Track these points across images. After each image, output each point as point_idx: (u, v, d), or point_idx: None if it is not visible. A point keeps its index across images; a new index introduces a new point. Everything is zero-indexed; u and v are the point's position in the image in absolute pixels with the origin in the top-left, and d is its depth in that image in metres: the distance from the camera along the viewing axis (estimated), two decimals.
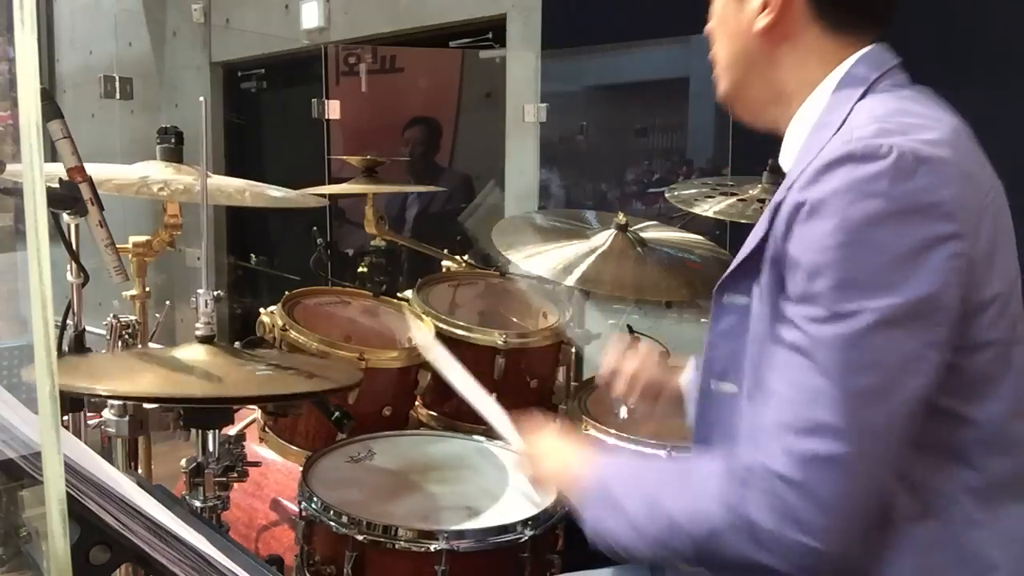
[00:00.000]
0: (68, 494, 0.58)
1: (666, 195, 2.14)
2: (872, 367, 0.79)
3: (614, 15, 3.12)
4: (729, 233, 2.47)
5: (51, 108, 1.38)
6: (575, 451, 1.11)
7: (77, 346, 1.47)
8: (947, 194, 0.80)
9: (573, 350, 2.07)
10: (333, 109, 4.07)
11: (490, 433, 1.53)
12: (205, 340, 1.40)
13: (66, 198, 1.38)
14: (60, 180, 1.39)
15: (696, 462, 0.96)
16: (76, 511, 0.67)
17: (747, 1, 0.98)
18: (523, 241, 1.94)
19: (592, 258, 1.86)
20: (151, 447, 1.87)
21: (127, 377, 1.25)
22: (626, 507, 0.93)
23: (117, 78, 4.62)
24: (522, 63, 3.40)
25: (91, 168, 1.44)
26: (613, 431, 1.64)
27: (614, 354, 1.30)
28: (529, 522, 1.37)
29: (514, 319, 2.17)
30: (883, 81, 0.93)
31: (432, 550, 1.30)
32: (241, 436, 1.48)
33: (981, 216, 0.84)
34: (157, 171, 1.83)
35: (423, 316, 1.94)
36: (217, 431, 1.42)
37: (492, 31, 3.61)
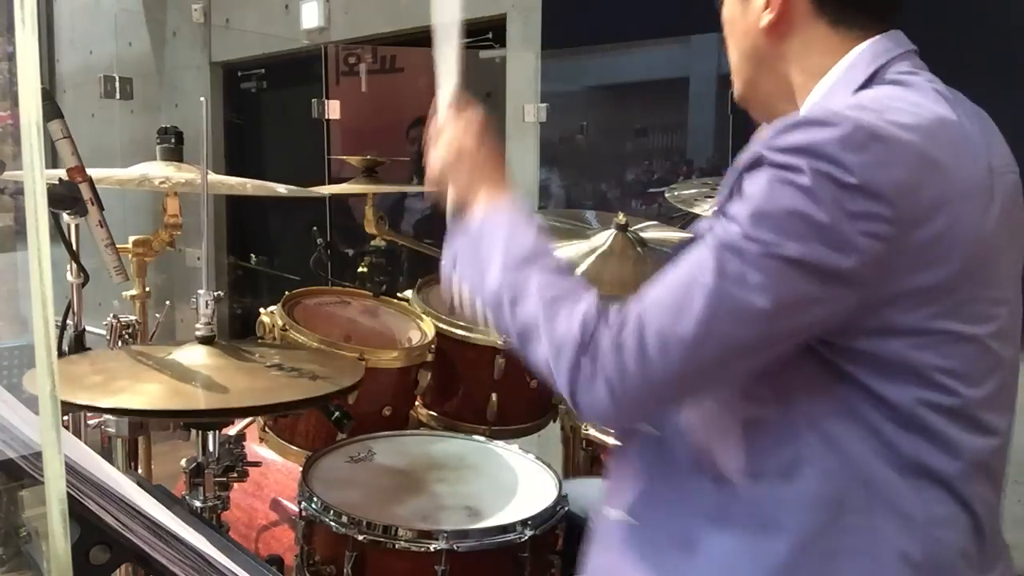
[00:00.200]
0: (68, 494, 0.58)
1: (666, 195, 2.14)
2: (756, 289, 0.81)
3: (614, 15, 3.12)
4: None
5: (51, 108, 1.38)
6: (488, 174, 1.06)
7: (77, 346, 1.47)
8: (894, 175, 0.80)
9: None
10: (333, 109, 4.08)
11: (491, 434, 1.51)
12: (205, 341, 1.41)
13: (66, 198, 1.38)
14: (60, 180, 1.39)
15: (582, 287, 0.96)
16: (76, 511, 0.67)
17: (751, 1, 0.99)
18: None
19: (592, 258, 1.86)
20: (151, 447, 1.87)
21: (130, 389, 1.25)
22: (489, 268, 0.96)
23: (117, 78, 4.63)
24: (522, 63, 3.41)
25: (90, 171, 1.44)
26: (613, 431, 1.63)
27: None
28: (529, 522, 1.37)
29: None
30: (888, 70, 0.94)
31: (432, 550, 1.30)
32: (241, 436, 1.49)
33: (939, 207, 0.83)
34: (157, 171, 1.83)
35: (423, 316, 1.94)
36: (217, 431, 1.43)
37: (492, 31, 3.61)
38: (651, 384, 0.86)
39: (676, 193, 2.10)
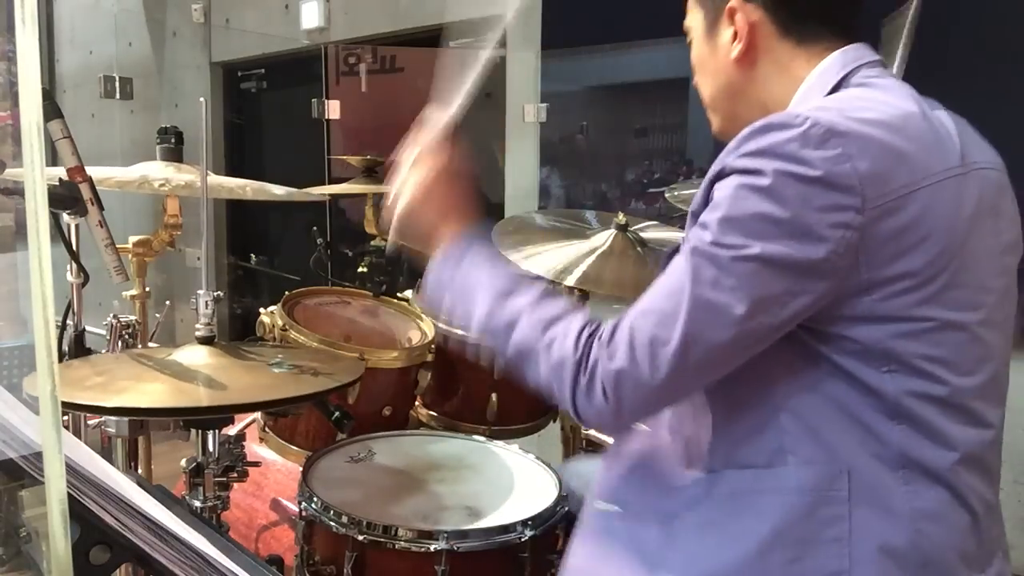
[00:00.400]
0: (68, 494, 0.58)
1: (666, 195, 2.14)
2: (731, 292, 0.84)
3: (614, 15, 3.12)
4: None
5: (51, 108, 1.38)
6: (459, 212, 1.08)
7: (77, 346, 1.47)
8: (859, 167, 0.83)
9: None
10: (333, 109, 4.08)
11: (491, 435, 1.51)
12: (205, 341, 1.41)
13: (66, 198, 1.38)
14: (60, 180, 1.39)
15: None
16: (76, 511, 0.67)
17: (718, 37, 1.04)
18: (523, 241, 1.94)
19: (592, 258, 1.86)
20: (151, 447, 1.87)
21: (131, 389, 1.25)
22: (477, 298, 1.00)
23: (117, 78, 4.63)
24: (522, 63, 3.41)
25: (90, 171, 1.44)
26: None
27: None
28: (529, 522, 1.37)
29: None
30: (857, 75, 0.96)
31: (432, 550, 1.30)
32: (241, 436, 1.49)
33: (909, 195, 0.85)
34: (157, 171, 1.83)
35: (423, 316, 1.94)
36: (217, 431, 1.43)
37: None
38: (646, 391, 0.89)
39: (676, 193, 2.10)
